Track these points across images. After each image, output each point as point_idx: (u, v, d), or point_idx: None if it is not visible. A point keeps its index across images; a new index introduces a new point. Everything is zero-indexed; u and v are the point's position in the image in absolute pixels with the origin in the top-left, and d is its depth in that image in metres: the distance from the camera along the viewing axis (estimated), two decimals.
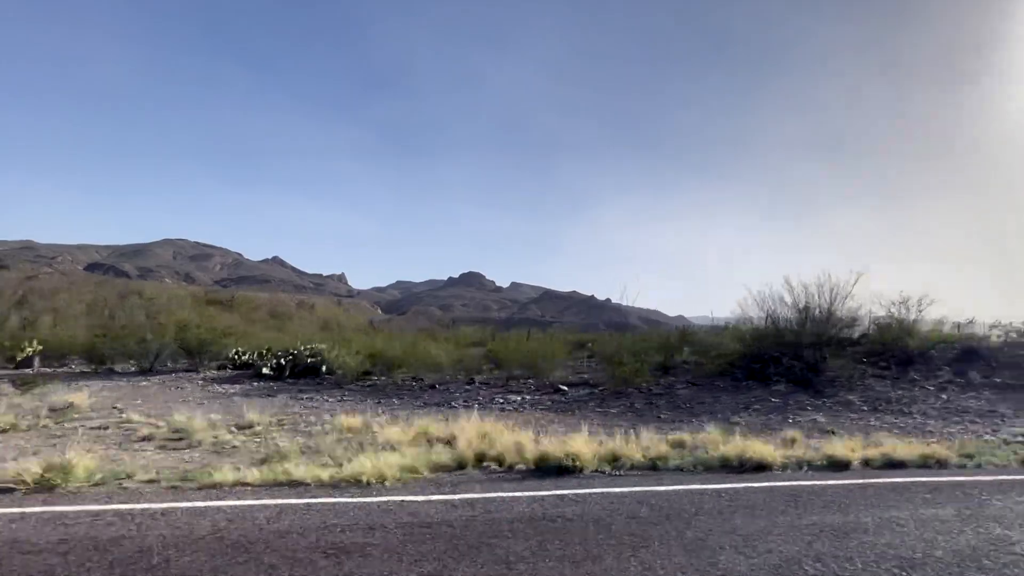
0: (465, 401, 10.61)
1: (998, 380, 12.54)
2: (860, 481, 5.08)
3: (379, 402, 10.23)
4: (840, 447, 5.97)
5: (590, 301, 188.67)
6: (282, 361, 11.94)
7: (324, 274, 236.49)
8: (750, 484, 4.78)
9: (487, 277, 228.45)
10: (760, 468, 5.48)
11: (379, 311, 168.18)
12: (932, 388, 12.20)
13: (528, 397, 11.14)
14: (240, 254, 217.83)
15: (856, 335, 13.64)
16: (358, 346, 13.19)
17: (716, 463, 5.60)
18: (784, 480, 5.08)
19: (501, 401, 10.71)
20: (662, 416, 9.75)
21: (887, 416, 10.17)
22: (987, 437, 8.73)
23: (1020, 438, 8.60)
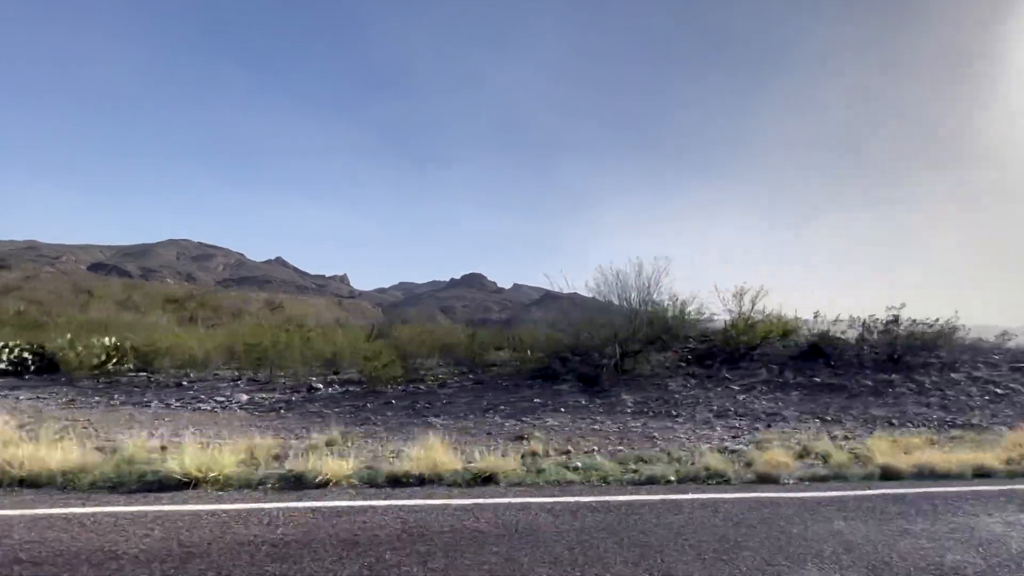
0: (177, 399, 9.58)
1: (817, 380, 11.13)
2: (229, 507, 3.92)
3: (72, 400, 9.25)
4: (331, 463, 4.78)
5: (590, 303, 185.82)
6: (25, 355, 11.03)
7: (327, 275, 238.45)
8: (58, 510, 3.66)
9: (488, 278, 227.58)
10: (185, 484, 4.33)
11: (380, 312, 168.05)
12: (737, 388, 10.84)
13: (262, 396, 10.06)
14: (243, 254, 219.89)
15: (673, 327, 12.33)
16: (139, 339, 12.26)
17: (155, 477, 4.47)
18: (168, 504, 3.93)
19: (221, 400, 9.65)
20: (377, 418, 8.60)
21: (644, 419, 8.90)
22: (706, 446, 7.44)
23: (737, 447, 7.30)
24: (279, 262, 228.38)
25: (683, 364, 12.17)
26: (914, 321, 11.90)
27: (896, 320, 12.04)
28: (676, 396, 10.29)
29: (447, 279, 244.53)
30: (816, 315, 12.60)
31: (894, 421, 9.04)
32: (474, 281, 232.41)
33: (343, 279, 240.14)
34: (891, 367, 11.81)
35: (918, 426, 8.76)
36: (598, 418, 8.88)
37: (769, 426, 8.58)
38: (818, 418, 9.11)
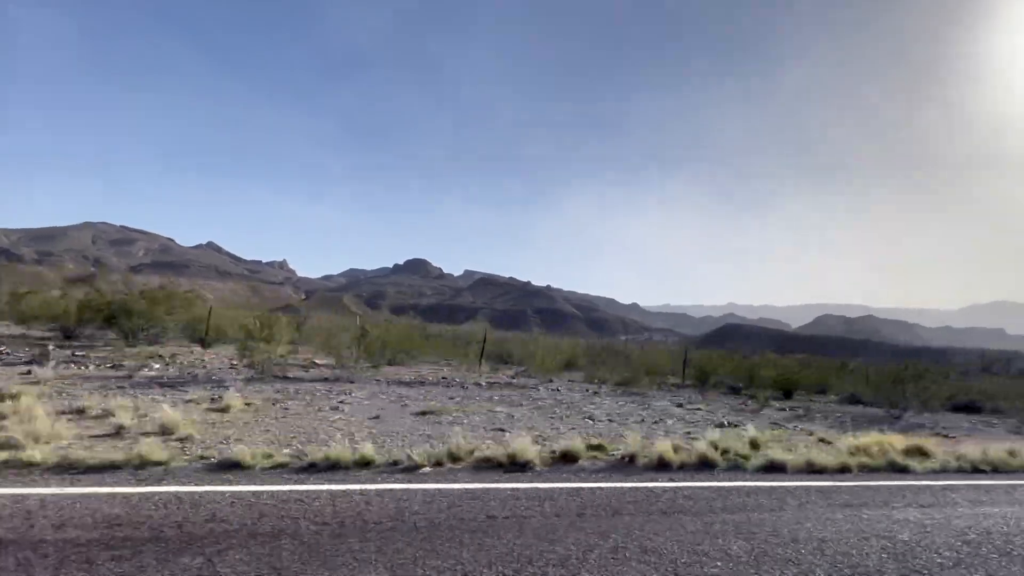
0: None
1: None
2: None
3: None
4: None
5: (526, 287, 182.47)
6: None
7: (264, 260, 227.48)
8: None
9: (433, 264, 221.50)
10: None
11: (303, 297, 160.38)
12: None
13: None
14: (171, 239, 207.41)
15: None
16: None
17: None
18: None
19: None
20: None
21: None
22: None
23: None
24: (211, 247, 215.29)
25: None
26: None
27: None
28: None
29: (391, 265, 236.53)
30: None
31: None
32: (418, 267, 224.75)
33: (282, 265, 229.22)
34: None
35: None
36: None
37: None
38: None
